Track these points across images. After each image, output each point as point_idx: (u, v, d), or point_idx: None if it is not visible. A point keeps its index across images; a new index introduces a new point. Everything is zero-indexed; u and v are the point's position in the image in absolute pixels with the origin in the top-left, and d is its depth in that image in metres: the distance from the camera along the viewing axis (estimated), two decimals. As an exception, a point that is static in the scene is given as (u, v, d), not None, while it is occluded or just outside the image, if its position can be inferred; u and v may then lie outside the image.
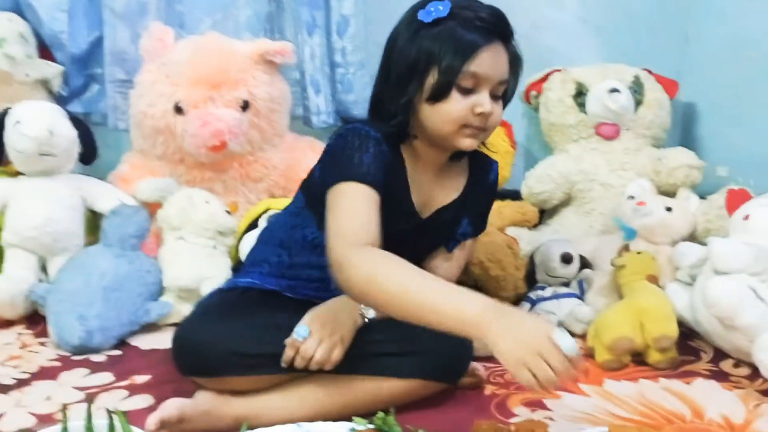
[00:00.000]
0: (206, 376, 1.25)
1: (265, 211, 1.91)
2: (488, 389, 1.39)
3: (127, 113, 2.14)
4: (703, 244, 1.67)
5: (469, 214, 1.45)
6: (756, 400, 1.37)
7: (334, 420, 1.16)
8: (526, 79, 2.32)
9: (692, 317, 1.60)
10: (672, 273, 1.74)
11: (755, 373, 1.43)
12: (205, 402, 1.22)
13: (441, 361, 1.27)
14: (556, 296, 1.78)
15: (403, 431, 1.08)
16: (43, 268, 1.81)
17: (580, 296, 1.80)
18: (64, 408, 1.08)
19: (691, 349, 1.60)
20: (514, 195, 2.21)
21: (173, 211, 1.88)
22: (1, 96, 2.04)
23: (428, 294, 1.04)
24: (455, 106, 1.23)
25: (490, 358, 1.40)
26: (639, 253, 1.74)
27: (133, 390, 1.39)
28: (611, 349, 1.50)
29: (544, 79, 2.35)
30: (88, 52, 2.27)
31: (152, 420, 1.14)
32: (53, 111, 1.88)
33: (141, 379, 1.45)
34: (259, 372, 1.23)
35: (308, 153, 2.17)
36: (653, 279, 1.67)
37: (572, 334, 1.65)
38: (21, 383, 1.42)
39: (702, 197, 2.00)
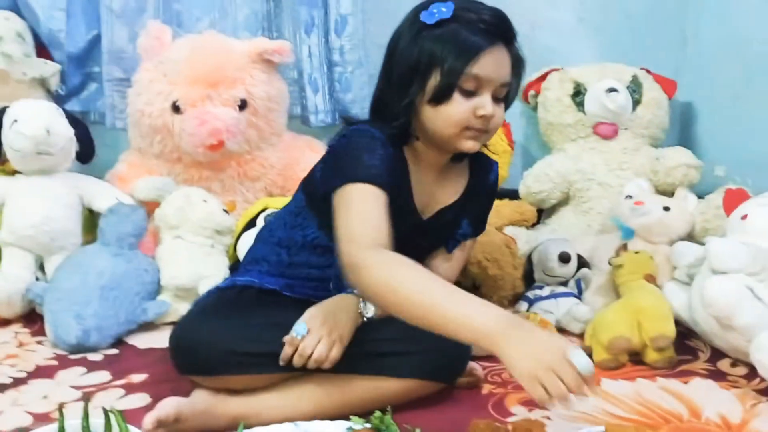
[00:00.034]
0: (204, 374, 1.25)
1: (263, 210, 1.91)
2: (486, 388, 1.39)
3: (124, 112, 2.14)
4: (701, 243, 1.67)
5: (469, 215, 1.45)
6: (753, 400, 1.37)
7: (332, 419, 1.16)
8: (524, 79, 2.32)
9: (690, 317, 1.60)
10: (670, 272, 1.74)
11: (752, 372, 1.43)
12: (202, 401, 1.22)
13: (439, 361, 1.26)
14: (553, 295, 1.78)
15: (401, 430, 1.08)
16: (41, 267, 1.81)
17: (578, 295, 1.80)
18: (61, 407, 1.08)
19: (689, 348, 1.60)
20: (512, 194, 2.21)
21: (171, 210, 1.87)
22: (-1, 95, 2.04)
23: (443, 302, 1.03)
24: (457, 108, 1.22)
25: (487, 358, 1.41)
26: (637, 252, 1.74)
27: (130, 389, 1.39)
28: (609, 348, 1.50)
29: (543, 78, 2.35)
30: (86, 51, 2.27)
31: (149, 419, 1.14)
32: (51, 110, 1.88)
33: (138, 378, 1.44)
34: (256, 371, 1.23)
35: (306, 152, 2.17)
36: (651, 278, 1.67)
37: (570, 334, 1.68)
38: (18, 382, 1.42)
39: (700, 197, 2.00)
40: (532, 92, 2.37)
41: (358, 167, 1.20)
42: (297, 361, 1.18)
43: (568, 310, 1.71)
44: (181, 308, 1.68)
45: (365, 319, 1.25)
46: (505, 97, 1.28)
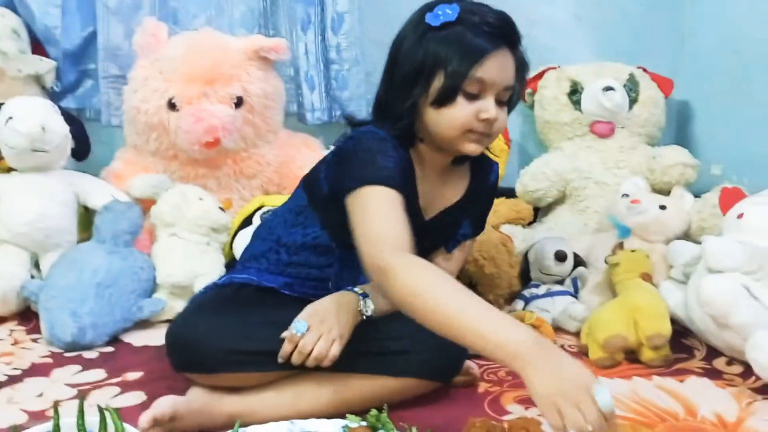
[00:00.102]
0: (201, 372, 1.25)
1: (259, 208, 1.91)
2: (482, 387, 1.40)
3: (120, 109, 2.13)
4: (697, 242, 1.67)
5: (470, 216, 1.45)
6: (749, 398, 1.37)
7: (328, 417, 1.16)
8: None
9: (686, 315, 1.60)
10: (666, 271, 1.75)
11: (748, 371, 1.43)
12: (198, 399, 1.22)
13: (437, 360, 1.26)
14: (550, 294, 1.78)
15: (397, 429, 1.08)
16: (36, 265, 1.81)
17: (574, 294, 1.80)
18: (56, 405, 1.07)
19: (685, 347, 1.61)
20: (509, 193, 2.21)
21: (167, 207, 1.87)
22: (-6, 91, 2.04)
23: (471, 316, 1.01)
24: (460, 111, 1.22)
25: (484, 356, 1.40)
26: (633, 251, 1.74)
27: (126, 387, 1.39)
28: (605, 346, 1.50)
29: (539, 76, 2.35)
30: (82, 48, 2.26)
31: (145, 418, 1.14)
32: (46, 107, 1.87)
33: (133, 376, 1.44)
34: (254, 369, 1.22)
35: (303, 150, 2.17)
36: (647, 277, 1.67)
37: (566, 332, 1.68)
38: (13, 380, 1.42)
39: (696, 195, 2.00)
40: (528, 90, 2.37)
41: (373, 169, 1.20)
42: (296, 359, 1.17)
43: (564, 309, 1.71)
44: (176, 306, 1.68)
45: (364, 317, 1.24)
46: (508, 100, 1.27)
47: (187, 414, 1.18)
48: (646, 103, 2.28)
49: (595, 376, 0.96)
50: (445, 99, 1.22)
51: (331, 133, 2.26)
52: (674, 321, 1.57)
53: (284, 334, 1.18)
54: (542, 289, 1.80)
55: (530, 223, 2.19)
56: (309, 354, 1.17)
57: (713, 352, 1.56)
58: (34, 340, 1.62)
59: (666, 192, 2.08)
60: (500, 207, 2.05)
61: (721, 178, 2.17)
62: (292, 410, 1.20)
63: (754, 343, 1.37)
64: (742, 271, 1.47)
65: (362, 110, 2.25)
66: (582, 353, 1.56)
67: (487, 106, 1.22)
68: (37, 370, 1.47)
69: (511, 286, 1.83)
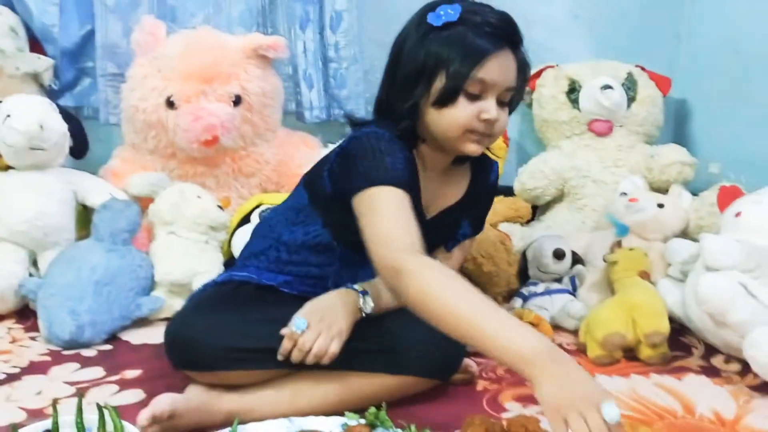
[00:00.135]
0: (199, 370, 1.24)
1: (258, 206, 1.91)
2: (480, 385, 1.40)
3: (118, 107, 2.13)
4: (695, 240, 1.68)
5: (470, 215, 1.45)
6: (746, 396, 1.37)
7: (327, 415, 1.16)
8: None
9: (684, 313, 1.60)
10: (664, 269, 1.75)
11: (746, 368, 1.44)
12: (197, 397, 1.22)
13: (436, 358, 1.26)
14: (548, 292, 1.78)
15: (395, 426, 1.08)
16: (34, 263, 1.81)
17: (573, 292, 1.80)
18: (55, 403, 1.07)
19: (683, 345, 1.61)
20: (507, 191, 2.21)
21: (165, 205, 1.87)
22: (-8, 89, 2.03)
23: (485, 320, 1.01)
24: (461, 111, 1.22)
25: (482, 354, 1.40)
26: (631, 249, 1.74)
27: (124, 385, 1.39)
28: (603, 344, 1.50)
29: (537, 75, 2.35)
30: (80, 46, 2.26)
31: (144, 416, 1.13)
32: (44, 105, 1.87)
33: (132, 373, 1.44)
34: (253, 366, 1.22)
35: (301, 148, 2.17)
36: (645, 275, 1.67)
37: (564, 330, 1.68)
38: (11, 378, 1.41)
39: (694, 194, 2.00)
40: (526, 89, 2.38)
41: (382, 170, 1.19)
42: (296, 356, 1.17)
43: (562, 307, 1.72)
44: (175, 304, 1.68)
45: (364, 314, 1.24)
46: (509, 101, 1.28)
47: (185, 412, 1.18)
48: (644, 101, 2.28)
49: (594, 374, 0.96)
50: (446, 99, 1.22)
51: (330, 131, 2.26)
52: (672, 319, 1.57)
53: (283, 331, 1.17)
54: (540, 288, 1.80)
55: (528, 222, 2.19)
56: (308, 351, 1.17)
57: (711, 350, 1.57)
58: (33, 338, 1.62)
59: (664, 190, 2.08)
60: (498, 205, 2.06)
61: (719, 176, 2.17)
62: (291, 408, 1.20)
63: (751, 340, 1.37)
64: (739, 269, 1.48)
65: (360, 108, 2.25)
66: (580, 351, 1.56)
67: (489, 107, 1.22)
68: (35, 368, 1.46)
69: (509, 284, 1.83)
